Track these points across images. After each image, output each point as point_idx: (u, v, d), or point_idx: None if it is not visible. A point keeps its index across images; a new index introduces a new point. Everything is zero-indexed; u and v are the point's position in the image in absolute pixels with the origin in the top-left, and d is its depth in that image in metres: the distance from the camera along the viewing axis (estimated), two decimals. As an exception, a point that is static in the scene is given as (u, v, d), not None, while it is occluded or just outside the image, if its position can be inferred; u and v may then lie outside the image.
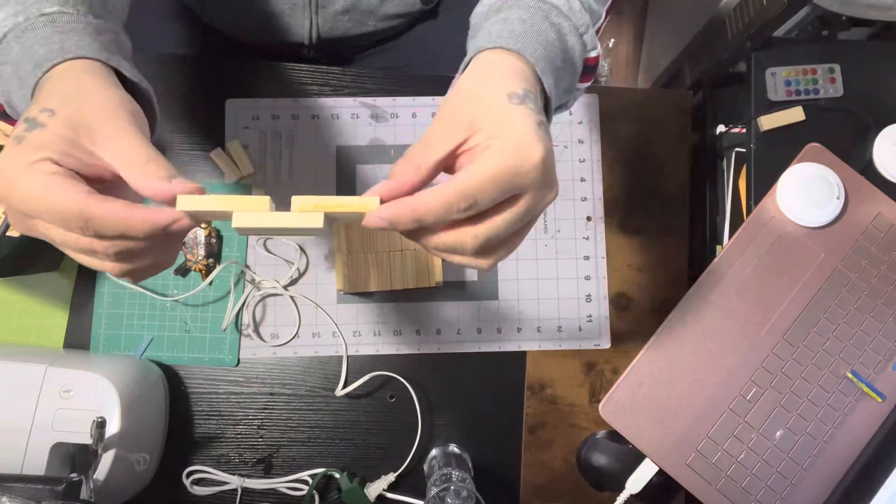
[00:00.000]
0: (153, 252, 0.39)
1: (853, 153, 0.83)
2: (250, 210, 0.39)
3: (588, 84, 0.49)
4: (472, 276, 0.78)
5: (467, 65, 0.43)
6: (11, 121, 0.45)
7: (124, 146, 0.37)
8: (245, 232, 0.40)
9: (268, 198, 0.40)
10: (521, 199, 0.38)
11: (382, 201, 0.38)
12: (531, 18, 0.43)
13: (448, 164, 0.39)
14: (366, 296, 0.77)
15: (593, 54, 0.46)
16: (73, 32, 0.41)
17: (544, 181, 0.38)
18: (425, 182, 0.39)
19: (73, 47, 0.40)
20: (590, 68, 0.47)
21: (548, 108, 0.44)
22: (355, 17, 0.83)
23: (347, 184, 0.78)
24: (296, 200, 0.39)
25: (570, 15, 0.44)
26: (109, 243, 0.37)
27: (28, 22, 0.40)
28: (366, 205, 0.39)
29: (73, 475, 0.56)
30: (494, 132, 0.38)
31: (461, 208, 0.36)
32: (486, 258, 0.40)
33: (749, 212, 0.82)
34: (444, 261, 0.73)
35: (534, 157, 0.37)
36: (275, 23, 0.82)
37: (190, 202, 0.38)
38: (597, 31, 0.48)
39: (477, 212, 0.37)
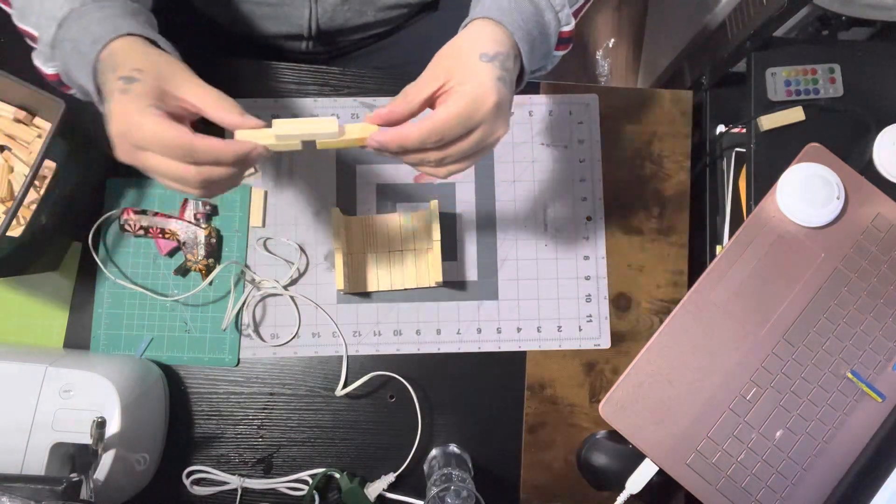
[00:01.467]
0: (229, 177, 0.49)
1: (853, 153, 0.83)
2: (321, 130, 0.50)
3: (564, 52, 0.60)
4: (472, 276, 0.78)
5: (464, 28, 0.53)
6: (66, 87, 0.55)
7: (202, 92, 0.48)
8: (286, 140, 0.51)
9: (334, 118, 0.50)
10: (475, 132, 0.50)
11: (378, 125, 0.51)
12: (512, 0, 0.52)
13: (431, 102, 0.51)
14: (366, 296, 0.77)
15: (566, 29, 0.57)
16: (118, 16, 0.51)
17: (495, 121, 0.50)
18: (414, 113, 0.51)
19: (123, 26, 0.49)
20: (564, 40, 0.58)
21: (522, 70, 0.54)
22: (355, 7, 0.82)
23: (347, 184, 0.78)
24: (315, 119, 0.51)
25: None
26: (199, 170, 0.47)
27: (84, 7, 0.50)
28: (366, 129, 0.51)
29: (73, 475, 0.56)
30: (462, 80, 0.49)
31: (433, 140, 0.49)
32: (444, 169, 0.52)
33: (749, 212, 0.82)
34: (443, 262, 0.74)
35: (488, 101, 0.48)
36: (274, 12, 0.81)
37: (282, 126, 0.50)
38: (579, 10, 0.59)
39: (444, 143, 0.49)
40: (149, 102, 0.46)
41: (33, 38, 0.54)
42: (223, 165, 0.48)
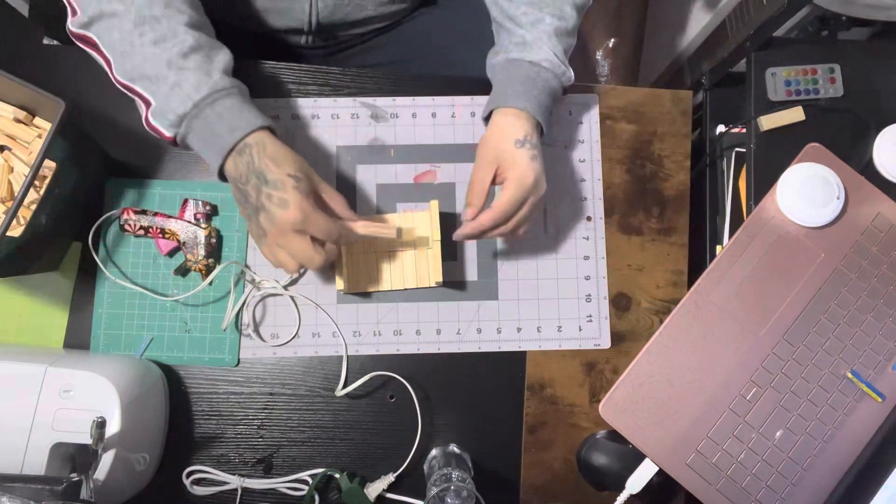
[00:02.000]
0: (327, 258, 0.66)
1: (853, 153, 0.83)
2: (378, 234, 0.68)
3: (567, 94, 0.76)
4: (472, 276, 0.78)
5: (488, 115, 0.71)
6: (175, 145, 0.65)
7: (333, 196, 0.66)
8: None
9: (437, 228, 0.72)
10: (527, 202, 0.68)
11: (465, 215, 0.69)
12: (529, 80, 0.69)
13: (494, 182, 0.70)
14: (366, 296, 0.77)
15: (569, 84, 0.72)
16: (246, 104, 0.64)
17: (537, 189, 0.68)
18: (485, 199, 0.69)
19: (254, 120, 0.63)
20: (567, 88, 0.73)
21: (543, 133, 0.71)
22: (355, 1, 0.82)
23: (347, 184, 0.78)
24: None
25: (552, 68, 0.70)
26: (333, 249, 0.65)
27: (214, 93, 0.62)
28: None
29: (73, 475, 0.56)
30: (508, 167, 0.68)
31: (501, 220, 0.68)
32: (517, 231, 0.70)
33: (749, 212, 0.82)
34: (443, 262, 0.74)
35: (529, 179, 0.67)
36: (274, 6, 0.81)
37: (401, 230, 0.70)
38: (568, 55, 0.73)
39: (509, 218, 0.68)
40: (311, 199, 0.63)
41: (144, 101, 0.63)
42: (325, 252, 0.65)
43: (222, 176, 0.65)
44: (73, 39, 0.65)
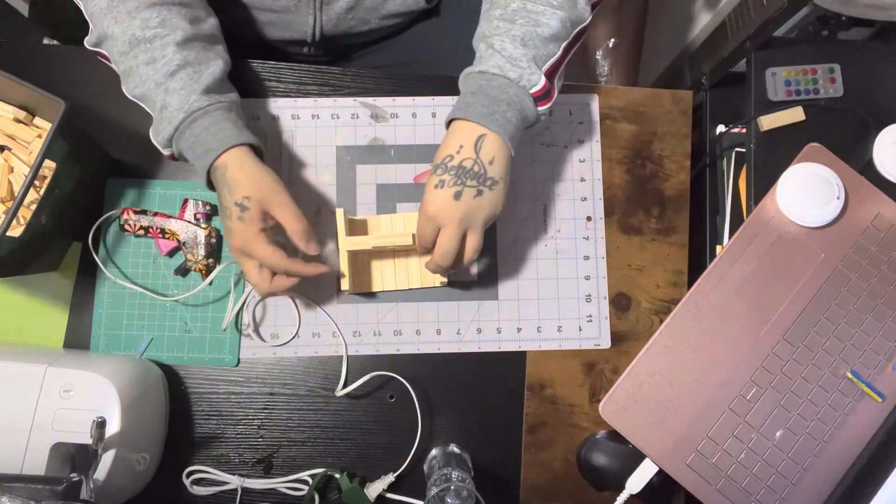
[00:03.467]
0: (291, 285, 0.68)
1: (853, 153, 0.83)
2: (402, 242, 0.71)
3: (548, 107, 0.68)
4: (471, 276, 0.78)
5: (448, 123, 0.67)
6: (172, 156, 0.68)
7: (291, 220, 0.65)
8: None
9: (410, 234, 0.70)
10: (441, 231, 0.65)
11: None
12: (479, 90, 0.65)
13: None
14: (366, 296, 0.77)
15: (536, 89, 0.65)
16: (221, 122, 0.65)
17: (444, 219, 0.64)
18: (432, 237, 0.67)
19: (229, 138, 0.64)
20: (541, 97, 0.66)
21: (509, 142, 0.65)
22: (359, 15, 0.83)
23: (348, 184, 0.78)
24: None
25: (503, 73, 0.64)
26: (269, 284, 0.66)
27: (191, 115, 0.64)
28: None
29: (73, 475, 0.56)
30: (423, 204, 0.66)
31: (421, 244, 0.68)
32: (462, 263, 0.67)
33: (749, 212, 0.82)
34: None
35: (427, 210, 0.64)
36: (278, 19, 0.82)
37: (351, 243, 0.72)
38: (553, 68, 0.67)
39: (429, 245, 0.67)
40: (259, 227, 0.64)
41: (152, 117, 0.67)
42: (298, 278, 0.68)
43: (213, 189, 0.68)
44: (94, 54, 0.68)
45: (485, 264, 0.78)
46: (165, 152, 0.68)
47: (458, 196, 0.63)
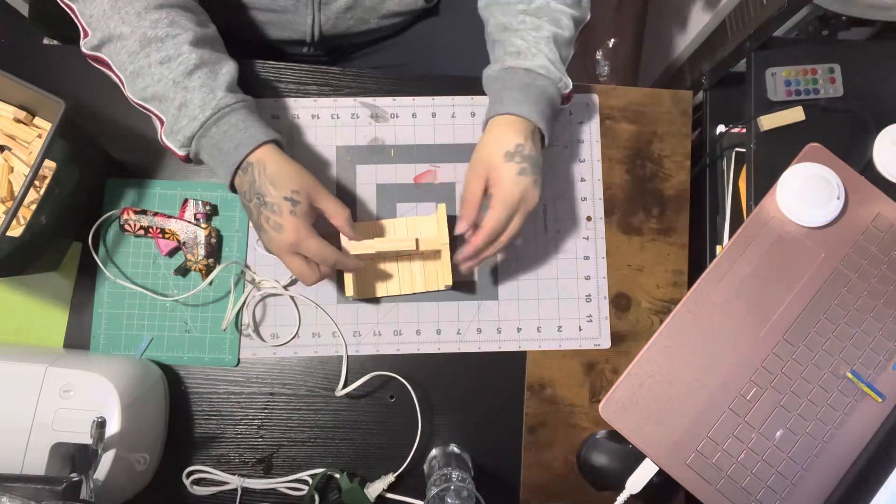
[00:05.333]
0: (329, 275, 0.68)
1: (853, 153, 0.83)
2: (404, 247, 0.72)
3: (569, 104, 0.75)
4: (472, 275, 0.78)
5: (486, 122, 0.70)
6: (188, 159, 0.67)
7: (336, 210, 0.67)
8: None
9: (413, 239, 0.72)
10: (515, 217, 0.68)
11: (456, 230, 0.69)
12: (525, 87, 0.68)
13: (485, 194, 0.68)
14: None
15: (566, 91, 0.71)
16: (252, 121, 0.65)
17: (524, 205, 0.67)
18: (476, 212, 0.68)
19: (259, 135, 0.64)
20: (566, 97, 0.72)
21: (544, 136, 0.70)
22: (357, 15, 0.83)
23: (348, 184, 0.78)
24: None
25: (548, 74, 0.69)
26: (319, 275, 0.67)
27: (218, 112, 0.63)
28: (434, 242, 0.73)
29: (73, 475, 0.56)
30: (494, 182, 0.67)
31: (492, 238, 0.67)
32: (507, 243, 0.69)
33: (749, 212, 0.82)
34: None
35: (515, 197, 0.66)
36: (278, 19, 0.82)
37: (354, 248, 0.71)
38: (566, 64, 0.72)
39: (498, 235, 0.68)
40: (309, 221, 0.65)
41: (159, 119, 0.65)
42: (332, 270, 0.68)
43: (234, 189, 0.66)
44: (88, 60, 0.66)
45: (485, 264, 0.78)
46: (181, 152, 0.66)
47: (535, 184, 0.67)
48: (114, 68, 0.65)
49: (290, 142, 0.79)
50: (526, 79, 0.68)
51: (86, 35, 0.64)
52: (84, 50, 0.65)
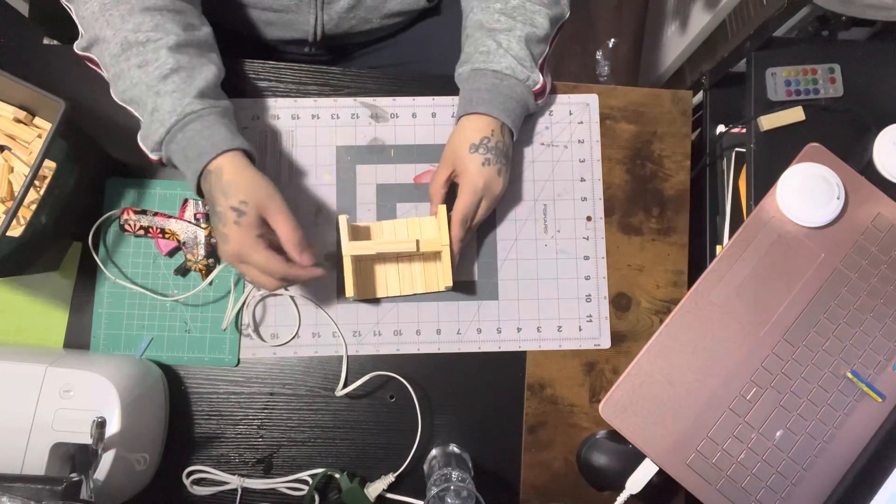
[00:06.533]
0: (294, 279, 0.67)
1: (853, 153, 0.83)
2: (405, 248, 0.72)
3: (543, 100, 0.77)
4: (472, 276, 0.78)
5: (457, 120, 0.74)
6: (162, 163, 0.68)
7: (286, 229, 0.64)
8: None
9: (414, 241, 0.72)
10: (482, 203, 0.72)
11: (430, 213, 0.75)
12: (493, 88, 0.72)
13: (448, 183, 0.73)
14: (366, 296, 0.77)
15: (536, 87, 0.74)
16: (215, 126, 0.64)
17: (488, 193, 0.72)
18: (444, 192, 0.73)
19: (221, 142, 0.64)
20: (538, 93, 0.75)
21: (514, 132, 0.74)
22: (360, 15, 0.83)
23: (347, 184, 0.78)
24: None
25: (515, 74, 0.72)
26: (277, 281, 0.65)
27: (184, 118, 0.63)
28: (434, 244, 0.73)
29: (73, 475, 0.56)
30: (460, 172, 0.72)
31: (464, 222, 0.71)
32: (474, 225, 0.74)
33: (749, 212, 0.82)
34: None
35: (479, 183, 0.71)
36: (280, 19, 0.82)
37: (354, 248, 0.71)
38: (544, 62, 0.75)
39: (469, 220, 0.72)
40: (256, 233, 0.63)
41: (139, 120, 0.66)
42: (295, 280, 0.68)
43: (201, 194, 0.67)
44: (82, 59, 0.68)
45: (485, 264, 0.78)
46: (153, 156, 0.67)
47: (500, 173, 0.72)
48: (101, 69, 0.67)
49: (291, 141, 0.79)
50: (494, 79, 0.72)
51: (81, 35, 0.66)
52: (76, 49, 0.66)
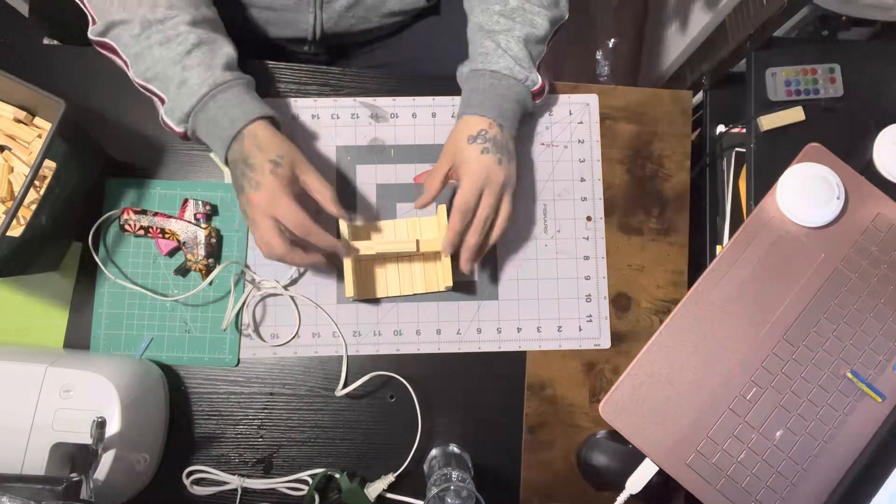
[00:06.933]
0: (314, 259, 0.69)
1: (853, 153, 0.83)
2: (405, 249, 0.73)
3: (541, 100, 0.77)
4: (472, 275, 0.78)
5: (457, 119, 0.74)
6: (186, 136, 0.68)
7: (318, 185, 0.67)
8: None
9: (414, 241, 0.73)
10: (485, 196, 0.70)
11: (416, 203, 0.72)
12: (491, 88, 0.72)
13: (447, 178, 0.73)
14: (366, 296, 0.77)
15: (535, 88, 0.74)
16: (246, 98, 0.67)
17: (491, 181, 0.70)
18: (440, 186, 0.72)
19: (252, 111, 0.66)
20: (537, 93, 0.75)
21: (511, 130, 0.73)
22: (359, 14, 0.83)
23: (348, 184, 0.78)
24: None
25: (513, 74, 0.72)
26: (287, 248, 0.65)
27: (217, 88, 0.65)
28: (434, 244, 0.74)
29: (73, 475, 0.56)
30: (459, 163, 0.71)
31: (466, 216, 0.69)
32: (490, 240, 0.72)
33: (749, 212, 0.82)
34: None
35: (480, 172, 0.69)
36: (278, 18, 0.82)
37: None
38: (540, 64, 0.75)
39: (471, 214, 0.70)
40: (288, 186, 0.65)
41: (160, 99, 0.67)
42: (316, 251, 0.68)
43: (227, 162, 0.68)
44: (95, 46, 0.68)
45: (485, 264, 0.78)
46: (179, 128, 0.68)
47: (500, 162, 0.70)
48: (119, 52, 0.67)
49: (291, 141, 0.78)
50: (492, 80, 0.72)
51: (93, 22, 0.67)
52: (91, 36, 0.67)
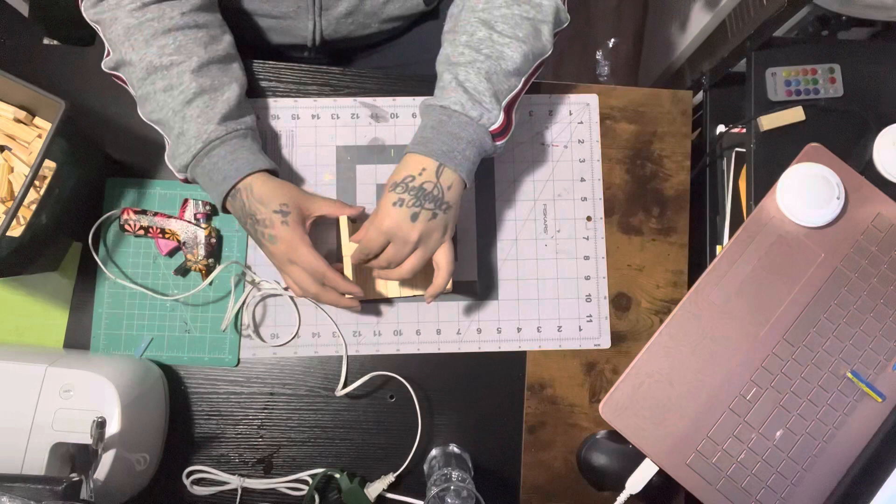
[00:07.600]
0: (349, 304, 0.70)
1: (853, 153, 0.83)
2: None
3: (505, 140, 0.69)
4: (472, 276, 0.78)
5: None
6: (185, 180, 0.69)
7: (327, 205, 0.69)
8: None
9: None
10: (389, 246, 0.66)
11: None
12: (439, 125, 0.66)
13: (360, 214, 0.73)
14: (366, 296, 0.77)
15: (494, 127, 0.66)
16: (238, 150, 0.67)
17: (395, 237, 0.65)
18: (349, 215, 0.72)
19: (245, 167, 0.66)
20: (498, 133, 0.67)
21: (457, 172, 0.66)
22: (358, 20, 0.83)
23: (347, 184, 0.78)
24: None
25: (464, 111, 0.65)
26: (320, 287, 0.67)
27: (208, 145, 0.66)
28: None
29: (73, 475, 0.56)
30: (376, 208, 0.66)
31: (364, 254, 0.68)
32: (394, 273, 0.68)
33: (749, 212, 0.82)
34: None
35: (384, 223, 0.65)
36: (278, 25, 0.82)
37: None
38: (511, 103, 0.67)
39: (371, 255, 0.68)
40: (301, 231, 0.66)
41: (166, 139, 0.68)
42: (335, 294, 0.69)
43: (227, 212, 0.69)
44: (110, 76, 0.70)
45: (485, 264, 0.78)
46: (180, 176, 0.69)
47: (414, 217, 0.64)
48: (129, 88, 0.69)
49: (291, 141, 0.79)
50: (442, 115, 0.66)
51: (108, 54, 0.68)
52: (104, 68, 0.68)
